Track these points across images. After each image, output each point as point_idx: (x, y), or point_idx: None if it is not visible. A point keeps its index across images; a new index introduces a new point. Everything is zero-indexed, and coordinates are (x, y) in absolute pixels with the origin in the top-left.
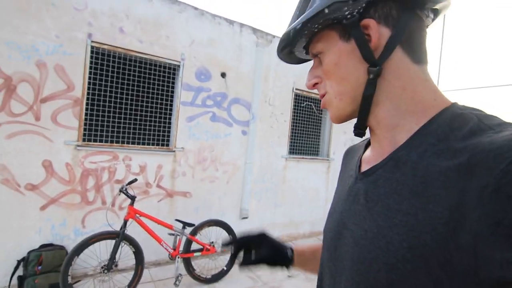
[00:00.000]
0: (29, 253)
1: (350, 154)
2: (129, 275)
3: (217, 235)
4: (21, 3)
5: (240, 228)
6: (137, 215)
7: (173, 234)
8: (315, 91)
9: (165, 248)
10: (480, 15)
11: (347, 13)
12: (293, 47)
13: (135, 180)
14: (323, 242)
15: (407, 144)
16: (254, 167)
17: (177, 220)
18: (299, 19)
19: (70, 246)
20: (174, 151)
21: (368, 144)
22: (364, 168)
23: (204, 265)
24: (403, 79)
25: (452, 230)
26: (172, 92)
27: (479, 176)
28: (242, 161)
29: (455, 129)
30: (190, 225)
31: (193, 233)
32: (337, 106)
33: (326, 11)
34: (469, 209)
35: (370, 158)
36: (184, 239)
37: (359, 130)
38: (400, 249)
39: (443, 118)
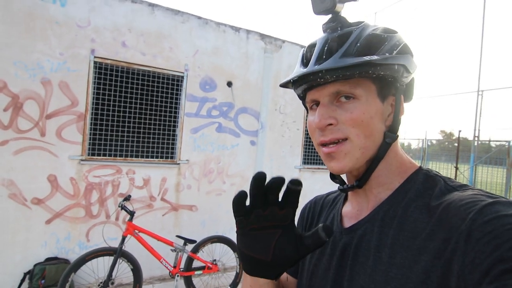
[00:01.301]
0: (34, 266)
1: (318, 206)
2: None
3: (221, 252)
4: (27, 24)
5: None
6: (135, 231)
7: (174, 251)
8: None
9: (165, 266)
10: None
11: (403, 79)
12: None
13: (130, 196)
14: None
15: (390, 200)
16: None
17: (178, 236)
18: (365, 57)
19: (74, 259)
20: (178, 163)
21: (344, 199)
22: (347, 223)
23: (207, 284)
24: (396, 146)
25: (442, 275)
26: (176, 103)
27: (455, 226)
28: (251, 173)
29: (428, 188)
30: (191, 241)
31: (195, 250)
32: (357, 158)
33: (396, 67)
34: (452, 253)
35: (352, 213)
36: (185, 256)
37: (358, 184)
38: None
39: (417, 178)
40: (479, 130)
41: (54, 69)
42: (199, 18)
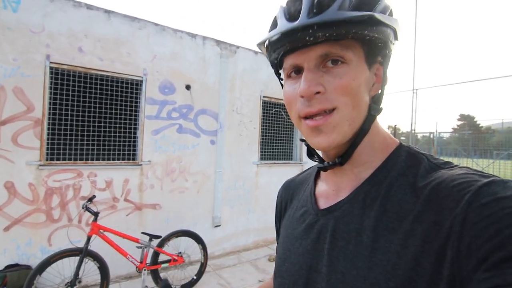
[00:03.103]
0: None
1: (292, 188)
2: None
3: (187, 245)
4: None
5: (214, 236)
6: (100, 230)
7: (140, 247)
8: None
9: (132, 262)
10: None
11: (391, 46)
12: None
13: (94, 196)
14: (277, 287)
15: (371, 179)
16: (225, 175)
17: (143, 233)
18: (366, 12)
19: (36, 265)
20: (140, 164)
21: (316, 177)
22: (323, 203)
23: (174, 276)
24: (377, 122)
25: (434, 261)
26: (136, 106)
27: (448, 208)
28: (212, 170)
29: (410, 166)
30: (156, 237)
31: (160, 244)
32: (345, 131)
33: (388, 30)
34: (446, 238)
35: (328, 193)
36: (151, 251)
37: (340, 161)
38: None
39: (399, 156)
40: (415, 124)
41: (8, 74)
42: (156, 25)
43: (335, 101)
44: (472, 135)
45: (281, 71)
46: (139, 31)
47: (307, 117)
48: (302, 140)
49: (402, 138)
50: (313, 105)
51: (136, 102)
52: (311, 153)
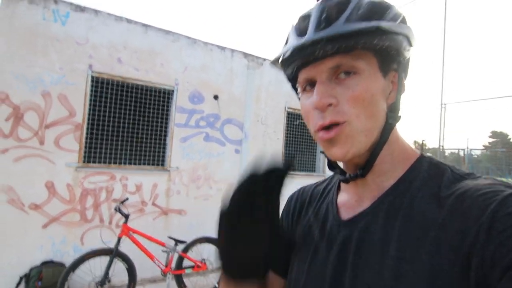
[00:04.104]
0: (30, 269)
1: (306, 196)
2: None
3: (209, 253)
4: (29, 39)
5: None
6: (130, 232)
7: (165, 251)
8: None
9: (157, 265)
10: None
11: (405, 53)
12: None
13: (127, 199)
14: None
15: (394, 189)
16: None
17: (169, 237)
18: (372, 22)
19: (69, 262)
20: (168, 170)
21: (337, 188)
22: (345, 214)
23: (196, 282)
24: (397, 131)
25: (460, 270)
26: (167, 114)
27: (473, 217)
28: (236, 179)
29: (433, 177)
30: (181, 242)
31: (185, 250)
32: (360, 142)
33: (400, 38)
34: (471, 247)
35: (350, 204)
36: (176, 256)
37: (362, 173)
38: None
39: (422, 166)
40: (443, 139)
41: (54, 82)
42: (188, 38)
43: (347, 113)
44: (506, 153)
45: (297, 86)
46: (172, 43)
47: (322, 129)
48: (322, 153)
49: (428, 154)
50: (325, 117)
51: (167, 110)
52: (332, 165)
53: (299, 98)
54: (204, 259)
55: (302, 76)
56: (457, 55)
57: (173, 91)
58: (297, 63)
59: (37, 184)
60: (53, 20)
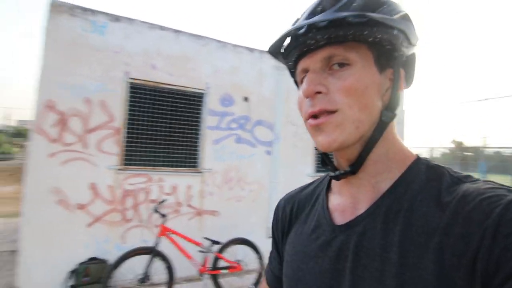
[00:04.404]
0: (78, 265)
1: (296, 202)
2: None
3: (244, 254)
4: (74, 51)
5: (268, 246)
6: (168, 232)
7: (202, 251)
8: None
9: (194, 265)
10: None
11: (403, 49)
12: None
13: (165, 200)
14: None
15: (391, 191)
16: (279, 185)
17: (205, 238)
18: (366, 13)
19: (112, 260)
20: (202, 172)
21: (327, 190)
22: (340, 218)
23: (232, 283)
24: (393, 129)
25: (464, 276)
26: (199, 117)
27: (477, 221)
28: (267, 180)
29: (431, 180)
30: (217, 243)
31: (220, 250)
32: (350, 132)
33: (395, 32)
34: (475, 251)
35: (344, 206)
36: (211, 256)
37: (352, 170)
38: None
39: (419, 168)
40: (486, 138)
41: (95, 89)
42: (218, 41)
43: (338, 102)
44: None
45: (296, 78)
46: (203, 47)
47: (312, 117)
48: (316, 149)
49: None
50: (315, 105)
51: (198, 114)
52: (325, 162)
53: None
54: (239, 260)
55: (300, 67)
56: (499, 46)
57: (204, 94)
58: (295, 54)
59: (82, 186)
60: (92, 31)
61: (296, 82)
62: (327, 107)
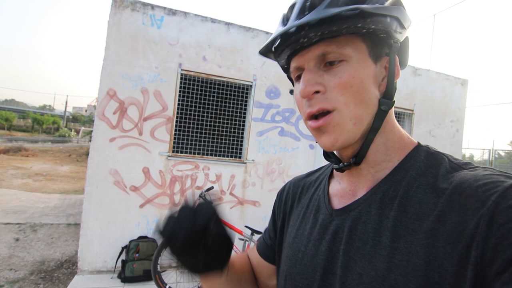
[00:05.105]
0: (130, 242)
1: (298, 187)
2: None
3: None
4: (132, 44)
5: None
6: None
7: (242, 239)
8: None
9: (235, 251)
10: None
11: (397, 36)
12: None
13: (212, 187)
14: None
15: (388, 178)
16: None
17: (246, 226)
18: (351, 6)
19: (159, 240)
20: (245, 162)
21: (330, 177)
22: (337, 203)
23: None
24: (392, 118)
25: (457, 263)
26: (245, 109)
27: (473, 208)
28: None
29: (430, 166)
30: (258, 232)
31: None
32: (349, 131)
33: (388, 20)
34: (470, 239)
35: (343, 193)
36: (251, 244)
37: (355, 162)
38: None
39: (418, 155)
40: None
41: (151, 80)
42: (267, 33)
43: (335, 100)
44: None
45: (290, 75)
46: (252, 39)
47: (312, 117)
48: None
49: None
50: (313, 105)
51: (245, 105)
52: (327, 154)
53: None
54: None
55: (293, 65)
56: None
57: (251, 86)
58: (287, 53)
59: (136, 169)
60: (150, 24)
61: (290, 79)
62: (325, 107)
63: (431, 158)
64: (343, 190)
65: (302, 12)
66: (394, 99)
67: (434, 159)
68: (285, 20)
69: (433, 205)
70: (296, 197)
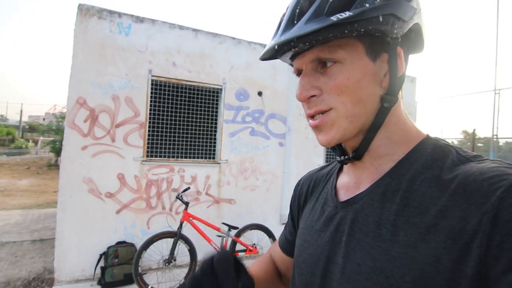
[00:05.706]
0: (108, 248)
1: (311, 181)
2: (186, 270)
3: (259, 238)
4: (100, 51)
5: (280, 232)
6: (190, 218)
7: (220, 236)
8: None
9: (214, 248)
10: None
11: (396, 31)
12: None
13: (188, 188)
14: (296, 277)
15: (392, 172)
16: (292, 175)
17: (223, 223)
18: (337, 16)
19: (138, 243)
20: (219, 163)
21: (339, 171)
22: (343, 196)
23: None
24: (398, 111)
25: (457, 259)
26: (216, 111)
27: (477, 203)
28: (280, 171)
29: (437, 159)
30: (234, 228)
31: (238, 235)
32: (345, 128)
33: (381, 19)
34: (473, 235)
35: (349, 186)
36: (229, 240)
37: (354, 156)
38: (403, 283)
39: (424, 148)
40: (497, 128)
41: (121, 87)
42: (233, 38)
43: (331, 101)
44: None
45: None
46: (219, 45)
47: (311, 117)
48: None
49: (479, 144)
50: (311, 108)
51: (216, 108)
52: (334, 147)
53: None
54: (255, 244)
55: (294, 66)
56: None
57: (221, 89)
58: (287, 56)
59: (111, 176)
60: (118, 32)
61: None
62: (322, 108)
63: (439, 150)
64: (348, 183)
65: (291, 23)
66: (399, 95)
67: (442, 152)
68: (278, 27)
69: (436, 199)
70: (309, 191)
